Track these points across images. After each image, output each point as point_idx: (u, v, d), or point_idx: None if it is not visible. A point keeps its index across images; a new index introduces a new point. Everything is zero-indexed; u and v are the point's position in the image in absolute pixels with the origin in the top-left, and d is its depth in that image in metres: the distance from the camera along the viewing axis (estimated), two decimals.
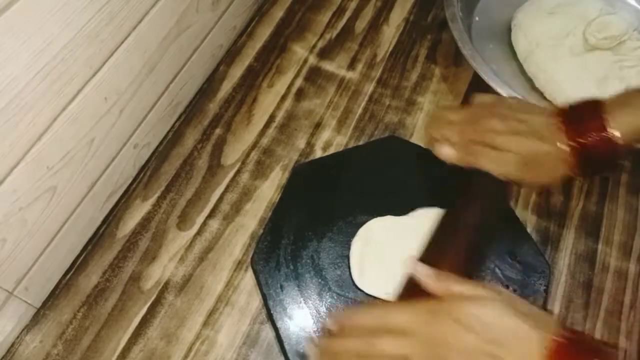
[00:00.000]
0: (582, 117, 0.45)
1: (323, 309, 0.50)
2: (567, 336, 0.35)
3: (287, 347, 0.48)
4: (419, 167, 0.59)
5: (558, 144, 0.44)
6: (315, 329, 0.49)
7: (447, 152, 0.50)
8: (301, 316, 0.50)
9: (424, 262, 0.44)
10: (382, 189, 0.57)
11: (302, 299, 0.51)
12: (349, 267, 0.52)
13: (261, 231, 0.55)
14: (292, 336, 0.49)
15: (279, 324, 0.49)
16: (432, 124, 0.54)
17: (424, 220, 0.49)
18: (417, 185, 0.58)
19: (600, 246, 0.57)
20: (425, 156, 0.59)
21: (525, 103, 0.51)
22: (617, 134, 0.43)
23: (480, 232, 0.48)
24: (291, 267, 0.52)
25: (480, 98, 0.53)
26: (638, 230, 0.59)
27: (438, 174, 0.56)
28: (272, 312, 0.50)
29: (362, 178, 0.58)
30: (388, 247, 0.53)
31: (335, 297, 0.51)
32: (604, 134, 0.43)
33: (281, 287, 0.51)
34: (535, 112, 0.48)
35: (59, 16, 0.38)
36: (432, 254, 0.46)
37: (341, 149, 0.62)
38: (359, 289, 0.51)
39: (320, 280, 0.52)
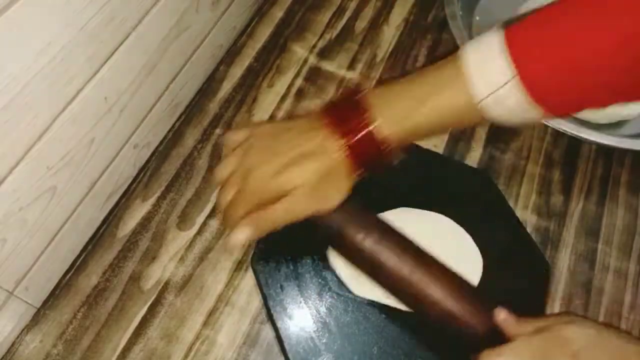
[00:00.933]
0: (347, 117, 0.41)
1: (323, 309, 0.50)
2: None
3: (287, 346, 0.48)
4: (407, 164, 0.58)
5: (333, 153, 0.41)
6: (315, 329, 0.49)
7: (236, 240, 0.43)
8: (301, 316, 0.50)
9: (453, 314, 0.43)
10: (373, 185, 0.56)
11: (302, 298, 0.51)
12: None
13: None
14: (292, 336, 0.49)
15: (279, 324, 0.49)
16: (224, 217, 0.45)
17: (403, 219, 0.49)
18: (401, 184, 0.57)
19: (600, 246, 0.58)
20: (425, 155, 0.60)
21: (283, 124, 0.46)
22: (385, 132, 0.40)
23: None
24: (291, 267, 0.52)
25: (232, 136, 0.47)
26: (638, 230, 0.59)
27: (423, 172, 0.57)
28: (272, 312, 0.50)
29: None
30: None
31: (335, 297, 0.51)
32: (371, 133, 0.40)
33: (281, 287, 0.51)
34: (298, 126, 0.43)
35: (59, 16, 0.38)
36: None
37: None
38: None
39: (320, 280, 0.52)
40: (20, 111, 0.38)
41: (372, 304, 0.50)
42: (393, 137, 0.40)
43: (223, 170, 0.45)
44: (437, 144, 0.62)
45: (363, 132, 0.40)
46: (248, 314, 0.52)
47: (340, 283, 0.52)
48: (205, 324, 0.52)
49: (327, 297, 0.51)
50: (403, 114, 0.40)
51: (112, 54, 0.46)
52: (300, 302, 0.51)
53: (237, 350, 0.50)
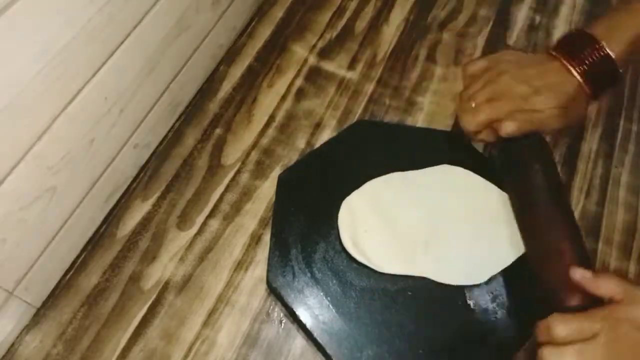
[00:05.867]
0: (579, 48, 0.50)
1: (352, 305, 0.50)
2: None
3: (330, 352, 0.48)
4: (392, 142, 0.60)
5: (568, 75, 0.49)
6: (350, 326, 0.49)
7: (511, 127, 0.51)
8: (332, 318, 0.50)
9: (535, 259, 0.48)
10: (365, 171, 0.57)
11: (328, 302, 0.50)
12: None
13: (267, 249, 0.54)
14: (332, 340, 0.49)
15: (315, 334, 0.49)
16: (464, 118, 0.54)
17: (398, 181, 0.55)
18: (393, 156, 0.58)
19: (600, 246, 0.57)
20: (395, 130, 0.62)
21: (521, 55, 0.55)
22: (612, 54, 0.49)
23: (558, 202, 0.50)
24: (308, 274, 0.52)
25: (475, 66, 0.55)
26: (638, 230, 0.59)
27: (410, 143, 0.60)
28: (303, 322, 0.49)
29: (345, 167, 0.58)
30: (376, 214, 0.55)
31: (358, 290, 0.51)
32: (602, 54, 0.49)
33: (305, 297, 0.51)
34: (537, 62, 0.52)
35: (59, 16, 0.38)
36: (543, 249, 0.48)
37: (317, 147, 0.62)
38: (381, 275, 0.52)
39: (340, 279, 0.52)
40: (20, 111, 0.38)
41: (395, 280, 0.51)
42: (619, 58, 0.49)
43: (472, 89, 0.54)
44: None
45: (596, 57, 0.49)
46: (248, 314, 0.52)
47: (362, 275, 0.52)
48: (205, 324, 0.52)
49: (351, 292, 0.51)
50: (626, 38, 0.49)
51: (112, 54, 0.46)
52: (328, 305, 0.50)
53: (237, 351, 0.50)
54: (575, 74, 0.49)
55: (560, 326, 0.40)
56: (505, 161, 0.54)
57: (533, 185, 0.51)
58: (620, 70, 0.50)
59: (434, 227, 0.54)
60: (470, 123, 0.53)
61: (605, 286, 0.41)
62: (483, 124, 0.52)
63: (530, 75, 0.51)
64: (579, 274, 0.43)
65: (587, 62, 0.49)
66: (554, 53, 0.52)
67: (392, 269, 0.52)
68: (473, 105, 0.53)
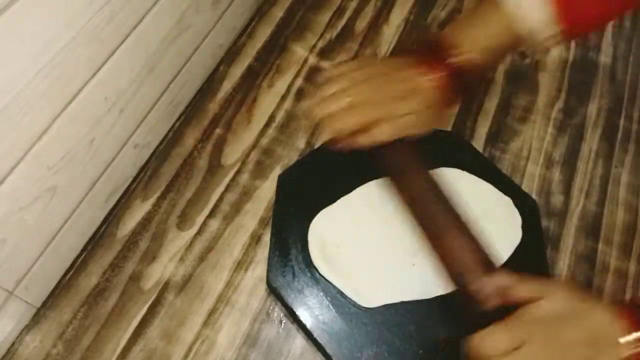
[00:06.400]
0: (439, 53, 0.49)
1: (352, 305, 0.50)
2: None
3: (330, 352, 0.48)
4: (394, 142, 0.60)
5: (425, 81, 0.49)
6: (350, 326, 0.49)
7: (383, 132, 0.49)
8: (332, 318, 0.50)
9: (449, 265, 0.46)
10: (365, 171, 0.57)
11: (328, 302, 0.50)
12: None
13: (267, 249, 0.54)
14: (332, 340, 0.49)
15: (316, 335, 0.49)
16: (327, 121, 0.50)
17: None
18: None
19: (600, 246, 0.58)
20: None
21: (384, 61, 0.56)
22: (472, 58, 0.48)
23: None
24: (308, 274, 0.52)
25: (335, 69, 0.53)
26: (638, 230, 0.59)
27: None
28: (303, 322, 0.50)
29: (345, 167, 0.58)
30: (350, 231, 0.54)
31: None
32: (461, 59, 0.48)
33: (305, 297, 0.51)
34: (394, 68, 0.51)
35: (59, 16, 0.38)
36: (449, 255, 0.47)
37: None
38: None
39: None
40: (20, 111, 0.38)
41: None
42: (475, 60, 0.49)
43: (331, 88, 0.51)
44: None
45: (451, 61, 0.48)
46: (248, 314, 0.52)
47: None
48: (205, 324, 0.52)
49: None
50: (477, 40, 0.49)
51: (112, 54, 0.46)
52: (328, 305, 0.50)
53: (237, 351, 0.50)
54: (435, 78, 0.49)
55: (489, 344, 0.39)
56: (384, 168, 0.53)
57: (417, 192, 0.50)
58: (481, 75, 0.51)
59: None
60: (333, 128, 0.49)
61: (523, 289, 0.42)
62: (355, 126, 0.49)
63: (393, 79, 0.50)
64: (497, 283, 0.43)
65: (446, 67, 0.49)
66: (415, 57, 0.51)
67: (376, 301, 0.51)
68: (335, 108, 0.49)
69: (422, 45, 0.52)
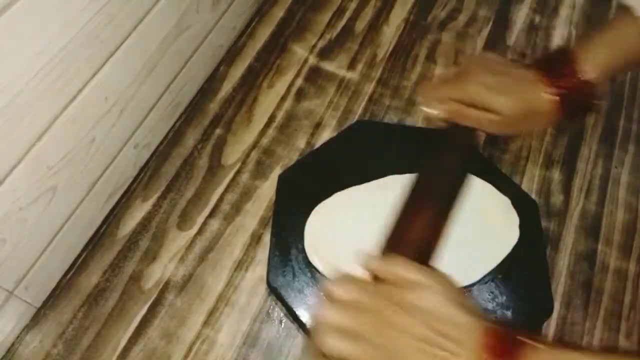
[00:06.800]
0: (558, 66, 0.48)
1: None
2: (500, 325, 0.37)
3: None
4: (392, 142, 0.60)
5: (542, 94, 0.48)
6: None
7: (433, 110, 0.52)
8: None
9: (389, 238, 0.46)
10: (365, 171, 0.57)
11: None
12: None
13: (267, 249, 0.54)
14: None
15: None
16: (424, 86, 0.55)
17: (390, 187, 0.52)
18: (393, 156, 0.58)
19: (600, 246, 0.58)
20: (395, 130, 0.62)
21: (505, 58, 0.56)
22: (591, 75, 0.47)
23: (449, 196, 0.49)
24: (308, 274, 0.52)
25: (467, 57, 0.57)
26: (638, 230, 0.59)
27: (410, 143, 0.60)
28: (305, 324, 0.49)
29: (345, 167, 0.58)
30: (347, 221, 0.54)
31: None
32: (579, 77, 0.47)
33: (305, 297, 0.51)
34: (515, 67, 0.51)
35: (59, 16, 0.39)
36: (396, 230, 0.47)
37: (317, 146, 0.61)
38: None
39: None
40: (20, 111, 0.38)
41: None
42: (596, 81, 0.47)
43: (446, 75, 0.53)
44: None
45: (573, 79, 0.47)
46: (248, 314, 0.52)
47: None
48: (205, 323, 0.52)
49: None
50: (604, 60, 0.47)
51: (112, 54, 0.46)
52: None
53: (237, 350, 0.50)
54: (549, 90, 0.48)
55: (338, 287, 0.40)
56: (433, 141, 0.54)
57: (434, 169, 0.51)
58: (597, 100, 0.48)
59: None
60: (428, 96, 0.53)
61: (388, 269, 0.41)
62: (440, 99, 0.52)
63: (501, 72, 0.50)
64: (365, 258, 0.43)
65: (562, 82, 0.47)
66: (532, 65, 0.50)
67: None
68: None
69: (543, 55, 0.51)
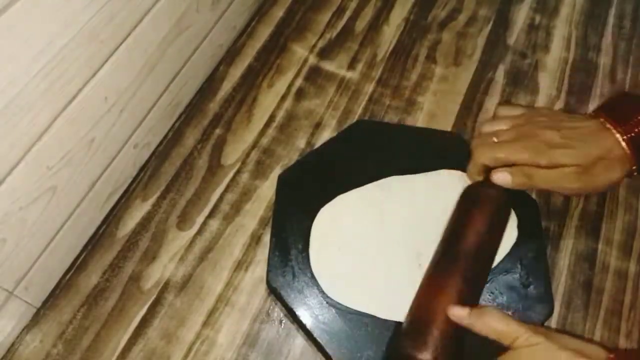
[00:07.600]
0: (626, 110, 0.46)
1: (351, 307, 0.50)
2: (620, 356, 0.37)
3: (330, 352, 0.48)
4: (392, 142, 0.60)
5: (611, 141, 0.45)
6: (350, 326, 0.49)
7: (504, 178, 0.48)
8: (332, 318, 0.50)
9: (431, 283, 0.47)
10: (365, 171, 0.57)
11: (328, 302, 0.50)
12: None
13: (267, 249, 0.54)
14: (332, 340, 0.49)
15: (316, 335, 0.49)
16: (480, 148, 0.51)
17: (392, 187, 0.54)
18: (393, 156, 0.58)
19: (600, 246, 0.58)
20: (395, 130, 0.62)
21: (559, 111, 0.51)
22: None
23: (488, 244, 0.48)
24: (308, 274, 0.52)
25: (506, 110, 0.53)
26: (638, 230, 0.59)
27: (410, 143, 0.60)
28: (303, 322, 0.49)
29: (345, 167, 0.58)
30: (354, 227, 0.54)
31: None
32: None
33: (305, 297, 0.51)
34: (578, 118, 0.48)
35: (59, 16, 0.38)
36: (438, 278, 0.47)
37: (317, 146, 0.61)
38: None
39: None
40: (20, 111, 0.38)
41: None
42: None
43: (497, 126, 0.50)
44: None
45: None
46: (248, 314, 0.52)
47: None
48: (205, 324, 0.52)
49: None
50: None
51: (112, 54, 0.46)
52: (328, 305, 0.50)
53: (237, 350, 0.50)
54: (619, 137, 0.45)
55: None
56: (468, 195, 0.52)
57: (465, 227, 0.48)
58: None
59: (426, 235, 0.53)
60: (484, 155, 0.49)
61: (489, 324, 0.41)
62: (499, 161, 0.49)
63: (564, 126, 0.47)
64: (455, 312, 0.42)
65: (637, 128, 0.44)
66: (597, 114, 0.47)
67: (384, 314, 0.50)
68: (495, 140, 0.49)
69: (607, 101, 0.48)
